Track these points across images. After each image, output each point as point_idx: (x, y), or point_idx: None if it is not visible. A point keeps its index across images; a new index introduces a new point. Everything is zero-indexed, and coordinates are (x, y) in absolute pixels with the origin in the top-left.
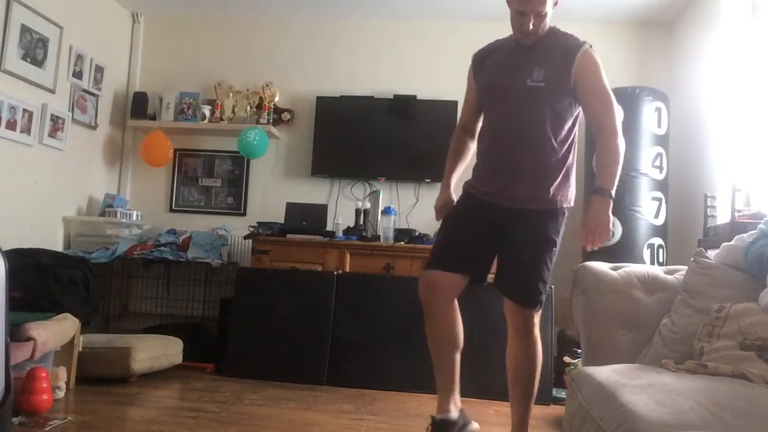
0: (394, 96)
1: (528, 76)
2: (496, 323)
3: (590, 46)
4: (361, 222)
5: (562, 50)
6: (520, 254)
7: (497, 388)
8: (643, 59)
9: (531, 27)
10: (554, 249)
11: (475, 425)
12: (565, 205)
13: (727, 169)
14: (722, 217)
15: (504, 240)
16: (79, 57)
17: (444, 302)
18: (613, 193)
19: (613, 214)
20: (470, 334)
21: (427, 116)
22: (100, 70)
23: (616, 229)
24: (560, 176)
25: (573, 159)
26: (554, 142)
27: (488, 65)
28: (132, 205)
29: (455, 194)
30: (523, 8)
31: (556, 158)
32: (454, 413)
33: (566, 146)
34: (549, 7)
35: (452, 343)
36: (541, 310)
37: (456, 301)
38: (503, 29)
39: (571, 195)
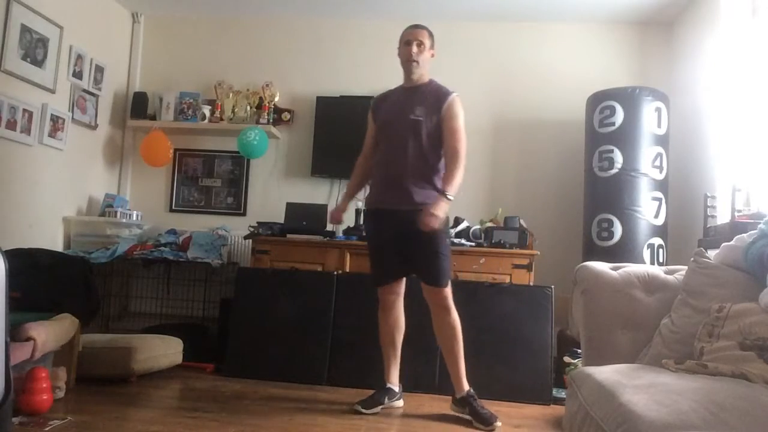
0: None
1: (411, 112)
2: (496, 323)
3: (457, 95)
4: (361, 222)
5: (436, 95)
6: (420, 246)
7: (497, 388)
8: (643, 59)
9: (414, 52)
10: (443, 236)
11: (401, 402)
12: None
13: (727, 169)
14: (722, 217)
15: (406, 238)
16: (79, 57)
17: (397, 303)
18: (451, 197)
19: (613, 214)
20: (470, 335)
21: None
22: (100, 70)
23: (455, 224)
24: (434, 184)
25: (441, 171)
26: (429, 161)
27: (383, 108)
28: (132, 205)
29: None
30: (409, 38)
31: (432, 172)
32: (396, 385)
33: (439, 163)
34: (427, 44)
35: (401, 330)
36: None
37: (402, 298)
38: (503, 29)
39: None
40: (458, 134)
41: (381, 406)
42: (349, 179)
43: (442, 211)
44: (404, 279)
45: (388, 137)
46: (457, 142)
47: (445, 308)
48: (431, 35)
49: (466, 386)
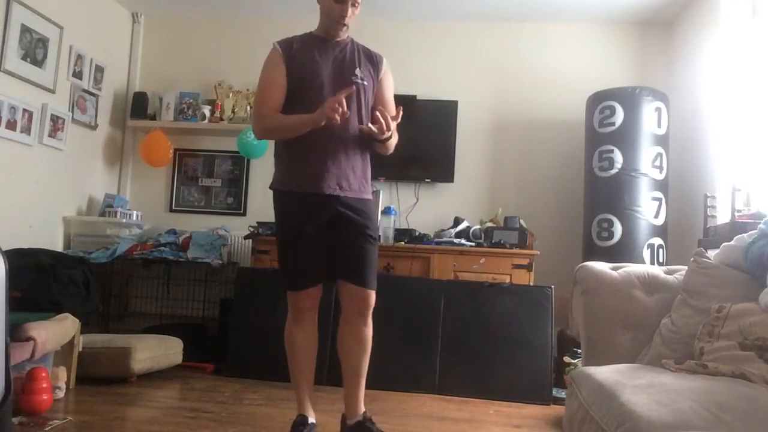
0: (394, 96)
1: (351, 72)
2: (496, 323)
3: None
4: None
5: (369, 57)
6: (350, 240)
7: (497, 388)
8: (643, 59)
9: (349, 14)
10: (376, 229)
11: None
12: (368, 195)
13: (727, 169)
14: (722, 217)
15: (331, 231)
16: (79, 57)
17: (314, 309)
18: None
19: (613, 214)
20: (470, 335)
21: (427, 116)
22: (100, 70)
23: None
24: (368, 168)
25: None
26: (365, 138)
27: (303, 56)
28: (132, 205)
29: None
30: None
31: (366, 151)
32: (313, 417)
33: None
34: (359, 4)
35: (315, 345)
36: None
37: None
38: (503, 29)
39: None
40: (391, 107)
41: None
42: (275, 123)
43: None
44: (323, 280)
45: (319, 101)
46: (396, 119)
47: (367, 317)
48: None
49: (362, 408)
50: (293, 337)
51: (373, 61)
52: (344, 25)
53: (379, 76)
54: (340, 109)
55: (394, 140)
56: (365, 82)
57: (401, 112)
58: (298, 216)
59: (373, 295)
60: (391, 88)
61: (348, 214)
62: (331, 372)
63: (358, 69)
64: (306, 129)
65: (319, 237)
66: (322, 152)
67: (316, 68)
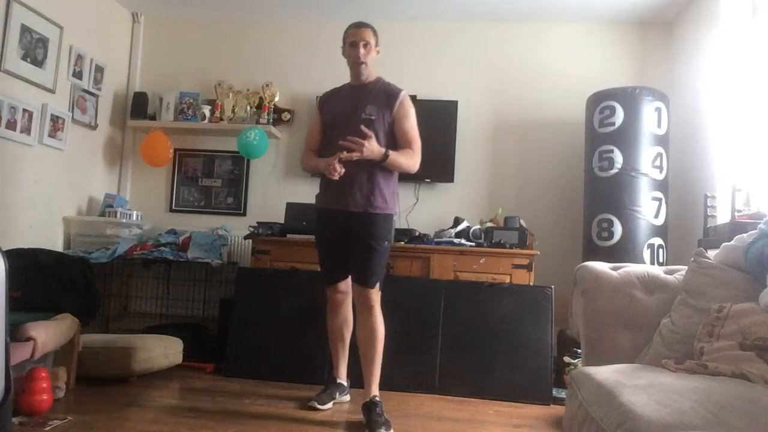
0: None
1: (362, 110)
2: (496, 323)
3: (406, 93)
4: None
5: (386, 93)
6: (358, 246)
7: (497, 388)
8: (643, 59)
9: (362, 54)
10: (386, 243)
11: (348, 397)
12: (390, 212)
13: (727, 169)
14: (722, 217)
15: (348, 237)
16: (79, 57)
17: (348, 300)
18: (387, 158)
19: (613, 214)
20: (470, 335)
21: (427, 116)
22: (100, 70)
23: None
24: (385, 187)
25: (395, 175)
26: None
27: (331, 106)
28: (132, 205)
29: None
30: (354, 39)
31: (385, 174)
32: (345, 380)
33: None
34: (373, 43)
35: (350, 326)
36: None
37: (350, 297)
38: (503, 29)
39: (393, 203)
40: (411, 134)
41: (333, 401)
42: (308, 164)
43: (373, 151)
44: (350, 278)
45: (339, 135)
46: (411, 143)
47: (371, 308)
48: (375, 33)
49: (374, 392)
50: (329, 322)
51: (389, 96)
52: (362, 63)
53: (393, 109)
54: (336, 168)
55: (402, 161)
56: (373, 117)
57: (365, 139)
58: (324, 227)
59: (371, 292)
60: (406, 116)
61: (356, 225)
62: (331, 372)
63: (369, 106)
64: (320, 171)
65: (338, 243)
66: (338, 180)
67: (338, 113)
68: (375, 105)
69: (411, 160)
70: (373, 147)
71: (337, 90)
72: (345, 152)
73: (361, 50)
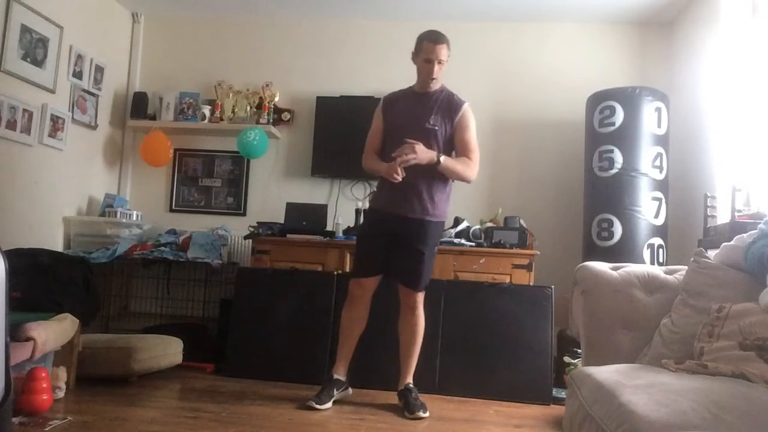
0: None
1: (426, 120)
2: (496, 323)
3: (469, 105)
4: (361, 222)
5: (450, 104)
6: (409, 251)
7: (497, 388)
8: (643, 59)
9: (435, 70)
10: (435, 249)
11: (350, 391)
12: (443, 219)
13: (727, 169)
14: (722, 217)
15: (397, 241)
16: (79, 57)
17: (367, 297)
18: (441, 162)
19: (613, 213)
20: (470, 335)
21: None
22: (100, 70)
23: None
24: (441, 195)
25: (449, 183)
26: (440, 171)
27: (395, 110)
28: (132, 205)
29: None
30: (431, 56)
31: (442, 182)
32: (343, 376)
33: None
34: (446, 60)
35: (363, 324)
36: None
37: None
38: (503, 29)
39: (446, 210)
40: (471, 145)
41: (333, 400)
42: (369, 165)
43: (424, 155)
44: (378, 278)
45: (399, 145)
46: (470, 152)
47: (413, 309)
48: (449, 46)
49: (408, 380)
50: (344, 316)
51: (452, 107)
52: (433, 79)
53: (455, 120)
54: (398, 171)
55: (458, 168)
56: (436, 127)
57: (408, 150)
58: (373, 226)
59: (419, 295)
60: (467, 128)
61: (409, 230)
62: (331, 372)
63: (432, 116)
64: (381, 174)
65: (383, 245)
66: (397, 184)
67: (403, 119)
68: (438, 115)
69: (468, 168)
70: (422, 150)
71: (402, 94)
72: (403, 155)
73: (436, 67)
